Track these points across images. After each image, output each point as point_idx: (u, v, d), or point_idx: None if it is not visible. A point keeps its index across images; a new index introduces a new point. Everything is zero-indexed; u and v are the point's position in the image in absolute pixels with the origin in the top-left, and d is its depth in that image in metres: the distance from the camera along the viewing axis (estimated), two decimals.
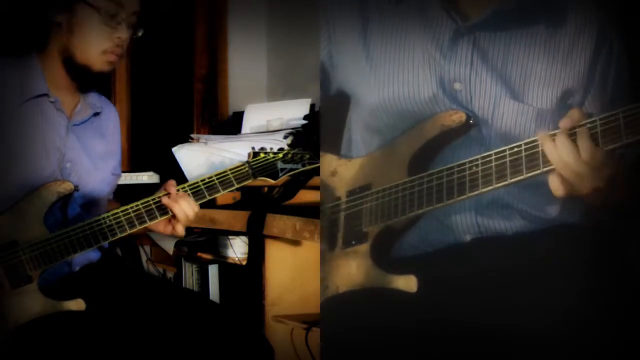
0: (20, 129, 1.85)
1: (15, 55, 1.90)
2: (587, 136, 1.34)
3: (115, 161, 2.07)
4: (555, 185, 1.38)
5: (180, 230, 1.88)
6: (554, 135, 1.37)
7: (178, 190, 1.86)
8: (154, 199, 1.85)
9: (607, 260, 1.47)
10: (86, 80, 1.92)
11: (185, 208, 1.85)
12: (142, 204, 1.85)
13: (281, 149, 1.96)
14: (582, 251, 1.48)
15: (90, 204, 1.96)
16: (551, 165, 1.37)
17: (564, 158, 1.35)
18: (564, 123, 1.36)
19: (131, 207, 1.84)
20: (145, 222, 1.85)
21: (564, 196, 1.37)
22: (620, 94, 1.53)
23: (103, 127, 2.03)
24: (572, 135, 1.35)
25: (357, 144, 1.67)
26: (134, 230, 1.84)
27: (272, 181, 1.94)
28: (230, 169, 1.90)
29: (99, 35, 1.86)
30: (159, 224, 1.89)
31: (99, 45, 1.87)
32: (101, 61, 1.88)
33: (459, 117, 1.51)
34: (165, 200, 1.84)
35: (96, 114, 2.00)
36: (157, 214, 1.86)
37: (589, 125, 1.34)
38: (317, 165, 1.92)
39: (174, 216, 1.86)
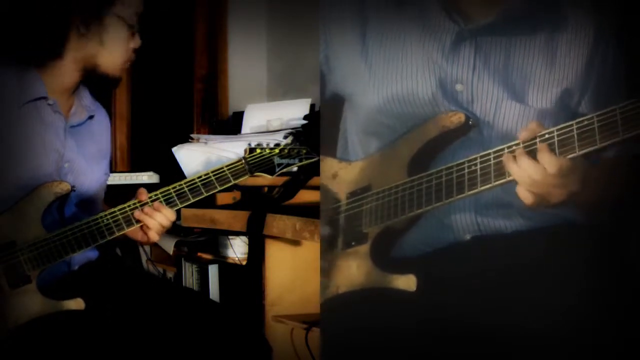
0: (20, 131, 1.85)
1: (15, 60, 1.89)
2: (547, 149, 1.37)
3: (107, 162, 2.09)
4: (525, 196, 1.40)
5: (154, 237, 1.87)
6: (514, 154, 1.39)
7: (150, 197, 1.85)
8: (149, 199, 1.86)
9: (607, 260, 1.47)
10: (102, 86, 1.96)
11: (161, 220, 1.84)
12: (139, 202, 1.85)
13: (277, 144, 1.95)
14: (582, 251, 1.47)
15: (86, 203, 1.96)
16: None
17: (531, 176, 1.38)
18: (523, 136, 1.40)
19: (128, 206, 1.84)
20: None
21: (535, 205, 1.40)
22: (617, 93, 1.53)
23: (95, 129, 2.04)
24: (532, 151, 1.38)
25: (355, 146, 1.67)
26: (132, 228, 1.84)
27: (269, 177, 1.92)
28: (227, 165, 1.89)
29: (126, 46, 1.91)
30: (136, 233, 1.88)
31: (124, 56, 1.91)
32: (121, 69, 1.93)
33: (458, 118, 1.51)
34: (137, 213, 1.84)
35: (90, 117, 2.01)
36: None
37: (547, 136, 1.37)
38: (315, 159, 1.91)
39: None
